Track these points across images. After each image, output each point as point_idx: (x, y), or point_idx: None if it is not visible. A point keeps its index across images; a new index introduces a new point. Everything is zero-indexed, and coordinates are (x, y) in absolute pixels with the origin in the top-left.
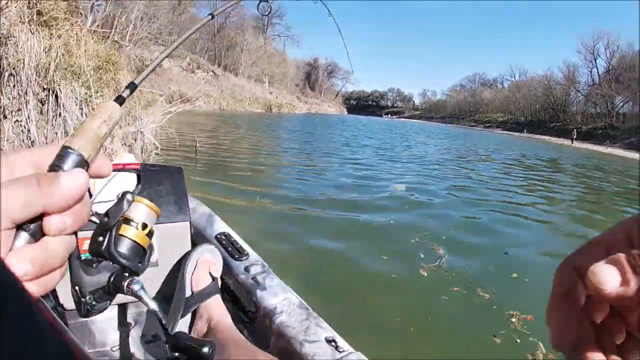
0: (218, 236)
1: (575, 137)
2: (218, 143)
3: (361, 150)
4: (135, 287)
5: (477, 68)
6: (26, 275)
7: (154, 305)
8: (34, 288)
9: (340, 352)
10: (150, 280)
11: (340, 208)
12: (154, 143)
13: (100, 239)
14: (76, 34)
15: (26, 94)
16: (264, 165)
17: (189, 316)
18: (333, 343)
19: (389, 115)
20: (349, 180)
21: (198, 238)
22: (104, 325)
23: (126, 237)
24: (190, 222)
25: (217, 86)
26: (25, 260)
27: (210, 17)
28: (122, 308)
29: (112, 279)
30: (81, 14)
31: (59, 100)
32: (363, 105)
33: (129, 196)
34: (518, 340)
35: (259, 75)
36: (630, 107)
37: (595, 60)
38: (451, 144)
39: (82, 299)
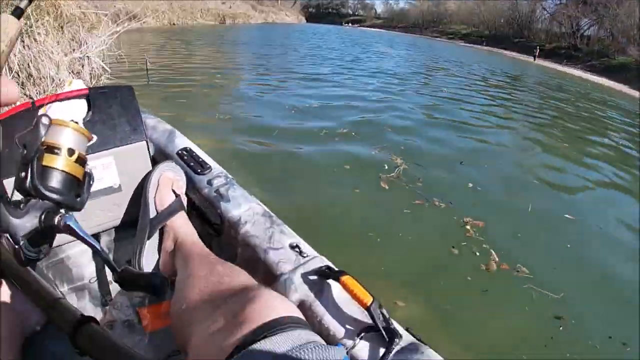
0: (179, 152)
1: (537, 54)
2: (170, 61)
3: (323, 64)
4: (68, 222)
5: None
6: None
7: (92, 242)
8: None
9: (304, 257)
10: (117, 206)
11: (301, 122)
12: (103, 67)
13: (23, 174)
14: None
15: None
16: (220, 83)
17: (157, 236)
18: (297, 248)
19: (350, 24)
20: (311, 96)
21: (159, 156)
22: (79, 259)
23: (54, 168)
24: (147, 141)
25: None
26: None
27: None
28: (95, 238)
29: (42, 218)
30: None
31: None
32: (323, 13)
33: (43, 119)
34: (478, 254)
35: None
36: (595, 30)
37: None
38: (416, 56)
39: (17, 247)
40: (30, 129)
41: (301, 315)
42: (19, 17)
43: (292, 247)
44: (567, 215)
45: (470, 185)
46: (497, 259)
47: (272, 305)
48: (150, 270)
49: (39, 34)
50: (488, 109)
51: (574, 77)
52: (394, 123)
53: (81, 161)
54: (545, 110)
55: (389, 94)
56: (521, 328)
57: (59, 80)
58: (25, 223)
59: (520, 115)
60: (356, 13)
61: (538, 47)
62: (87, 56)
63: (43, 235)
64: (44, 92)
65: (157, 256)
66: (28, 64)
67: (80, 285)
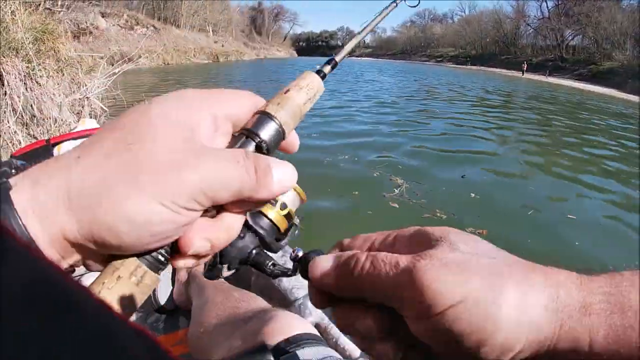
0: None
1: (525, 68)
2: None
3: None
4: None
5: (426, 4)
6: (202, 254)
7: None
8: (190, 262)
9: None
10: None
11: (304, 155)
12: (102, 107)
13: None
14: (10, 8)
15: None
16: None
17: (170, 267)
18: None
19: None
20: (311, 129)
21: None
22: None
23: (264, 214)
24: None
25: (158, 41)
26: (205, 240)
27: None
28: None
29: (253, 253)
30: None
31: (2, 79)
32: (313, 46)
33: None
34: None
35: (202, 25)
36: (579, 39)
37: None
38: (407, 82)
39: (218, 266)
40: None
41: (317, 333)
42: (322, 79)
43: None
44: (569, 216)
45: (473, 195)
46: None
47: (290, 324)
48: (165, 300)
49: (40, 76)
50: (484, 125)
51: (562, 87)
52: (392, 147)
53: (289, 217)
54: (542, 121)
55: (384, 122)
56: None
57: (62, 120)
58: (238, 251)
59: (518, 127)
60: (345, 44)
61: (525, 62)
62: (87, 97)
63: (241, 263)
64: (48, 132)
65: (171, 287)
66: (31, 105)
67: None
